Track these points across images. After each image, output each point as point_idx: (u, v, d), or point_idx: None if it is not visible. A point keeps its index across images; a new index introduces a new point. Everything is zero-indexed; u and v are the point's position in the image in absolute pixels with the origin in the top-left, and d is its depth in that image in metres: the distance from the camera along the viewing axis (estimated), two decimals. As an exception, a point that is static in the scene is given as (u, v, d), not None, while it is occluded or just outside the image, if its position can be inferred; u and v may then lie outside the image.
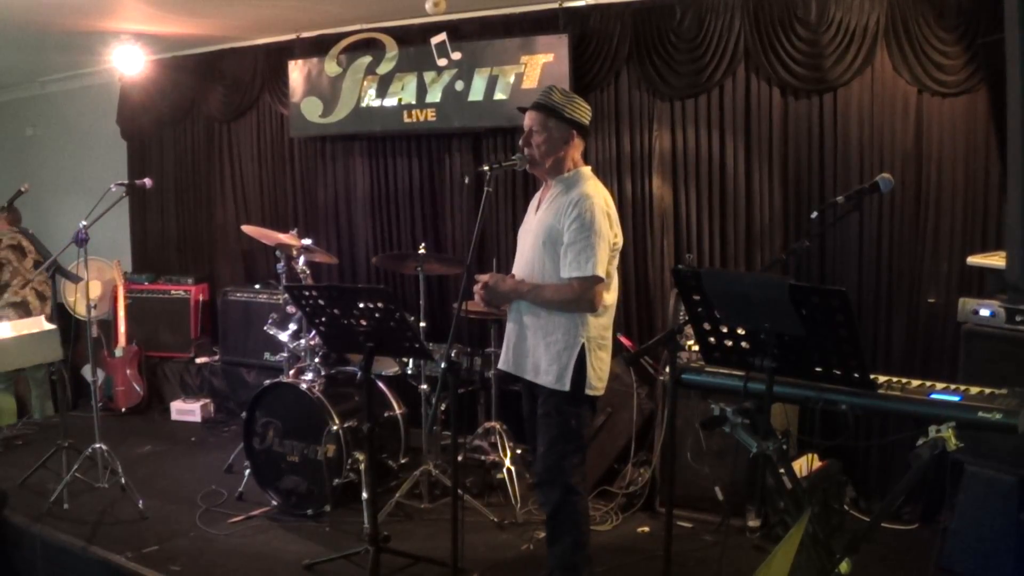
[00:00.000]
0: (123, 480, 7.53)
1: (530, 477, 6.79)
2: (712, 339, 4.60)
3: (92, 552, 6.72)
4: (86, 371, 9.67)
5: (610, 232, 5.25)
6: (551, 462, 5.34)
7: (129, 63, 9.82)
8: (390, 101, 9.09)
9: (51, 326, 7.53)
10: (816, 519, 4.34)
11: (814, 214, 5.29)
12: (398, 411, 7.72)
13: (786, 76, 7.42)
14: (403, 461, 7.71)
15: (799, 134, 7.54)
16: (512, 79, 8.44)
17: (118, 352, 10.26)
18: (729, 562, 6.15)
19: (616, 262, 5.38)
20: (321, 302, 5.80)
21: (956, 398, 4.21)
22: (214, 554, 6.69)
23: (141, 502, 7.36)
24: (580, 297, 5.16)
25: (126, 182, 8.04)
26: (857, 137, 7.28)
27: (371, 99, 9.18)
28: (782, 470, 4.33)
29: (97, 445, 7.69)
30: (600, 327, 5.32)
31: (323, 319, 5.91)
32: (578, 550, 5.40)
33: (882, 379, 4.43)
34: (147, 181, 8.09)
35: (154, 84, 10.85)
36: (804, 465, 6.12)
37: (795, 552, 2.51)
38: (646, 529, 6.95)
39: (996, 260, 5.98)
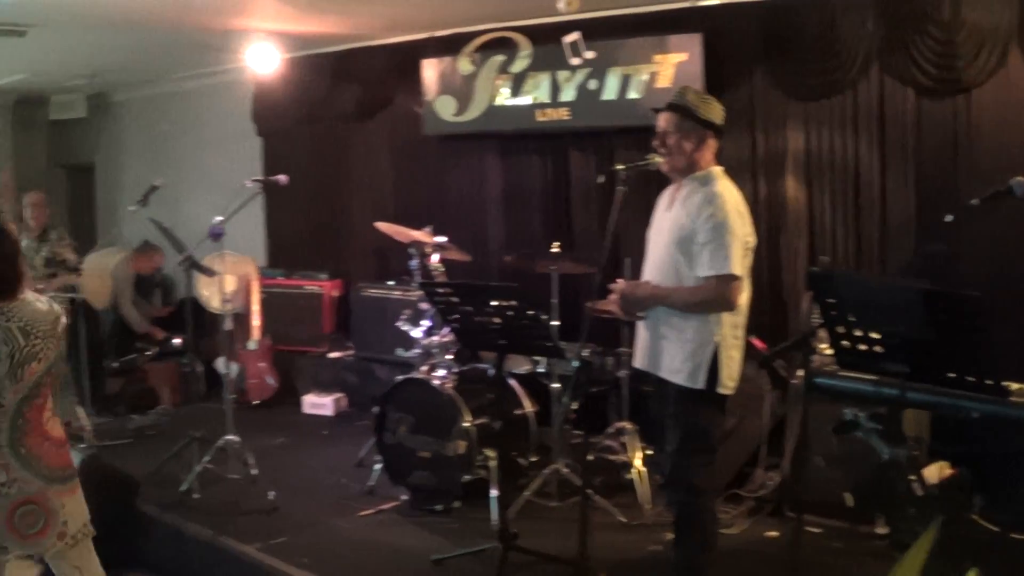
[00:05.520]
0: (254, 471, 7.61)
1: (660, 478, 6.76)
2: (846, 343, 4.54)
3: (221, 542, 6.83)
4: (219, 364, 9.82)
5: (743, 231, 5.21)
6: (679, 462, 5.32)
7: (263, 61, 9.96)
8: (523, 100, 9.12)
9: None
10: (945, 528, 4.28)
11: (949, 217, 5.22)
12: (529, 409, 7.72)
13: (919, 77, 7.32)
14: (533, 459, 7.70)
15: (934, 135, 7.42)
16: (646, 78, 8.42)
17: (252, 345, 10.42)
18: (856, 569, 6.11)
19: (749, 262, 5.31)
20: (454, 299, 5.82)
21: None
22: (343, 547, 6.77)
23: (271, 494, 7.45)
24: (717, 296, 5.12)
25: (261, 178, 8.15)
26: (992, 139, 7.15)
27: (504, 98, 9.21)
28: (912, 477, 4.29)
29: (229, 436, 7.76)
30: (733, 326, 5.27)
31: (456, 316, 5.94)
32: (704, 552, 5.36)
33: (1014, 386, 4.36)
34: (282, 178, 8.15)
35: (288, 82, 10.98)
36: (934, 472, 6.03)
37: (923, 561, 2.48)
38: (774, 534, 6.88)
39: None
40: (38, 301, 4.35)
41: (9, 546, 4.23)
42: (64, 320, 4.46)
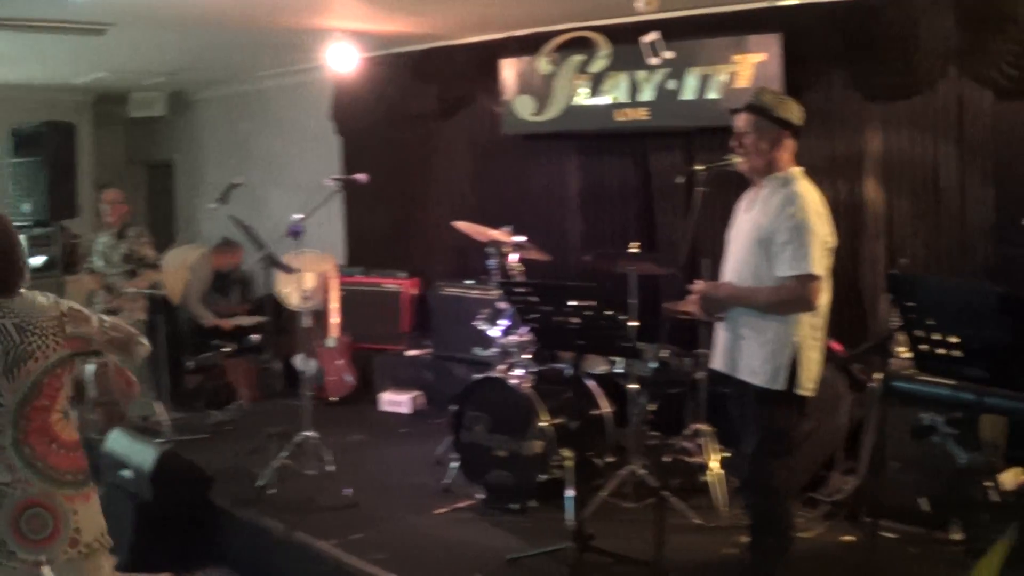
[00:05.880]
0: (330, 468, 7.69)
1: (736, 480, 6.74)
2: (925, 346, 4.51)
3: (298, 537, 6.89)
4: (297, 360, 9.91)
5: (823, 231, 5.19)
6: (757, 465, 5.32)
7: (343, 60, 9.99)
8: (602, 99, 9.13)
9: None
10: (1021, 535, 4.24)
11: (1026, 220, 5.18)
12: (605, 410, 7.71)
13: (998, 78, 7.22)
14: (609, 460, 7.66)
15: (1012, 138, 7.31)
16: (725, 78, 8.40)
17: (330, 343, 10.50)
18: (931, 575, 6.07)
19: (829, 262, 5.28)
20: (533, 298, 5.84)
21: None
22: (418, 544, 6.82)
23: (348, 490, 7.53)
24: (798, 296, 5.10)
25: (341, 177, 8.20)
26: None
27: (583, 97, 9.23)
28: (988, 483, 4.25)
29: (306, 433, 7.83)
30: (812, 327, 5.25)
31: (534, 315, 5.95)
32: (779, 555, 5.36)
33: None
34: (362, 176, 8.18)
35: (367, 81, 11.04)
36: (1011, 479, 5.97)
37: (998, 568, 2.47)
38: (850, 538, 6.81)
39: None
40: (40, 296, 4.24)
41: (15, 551, 4.05)
42: (97, 319, 4.35)
